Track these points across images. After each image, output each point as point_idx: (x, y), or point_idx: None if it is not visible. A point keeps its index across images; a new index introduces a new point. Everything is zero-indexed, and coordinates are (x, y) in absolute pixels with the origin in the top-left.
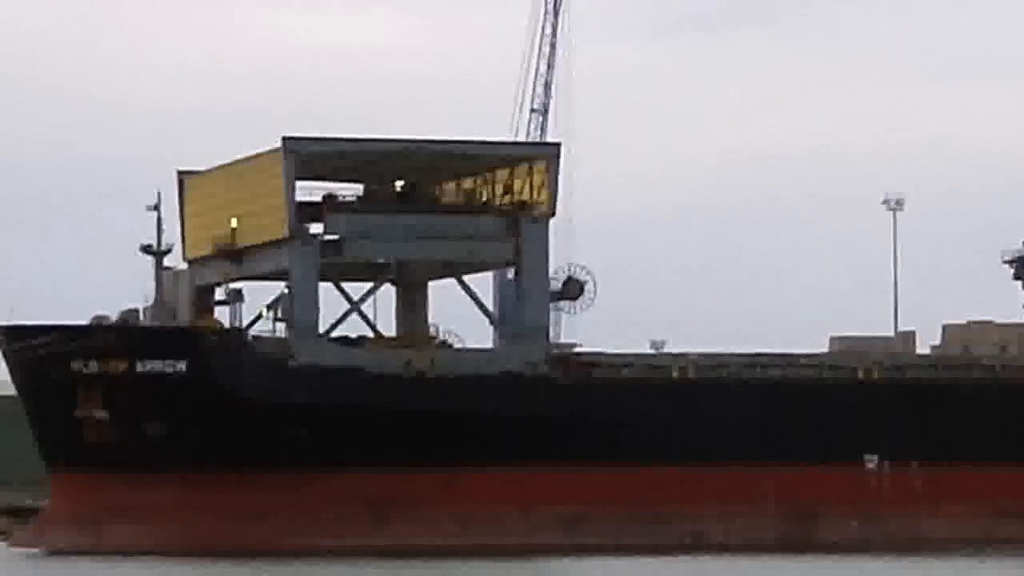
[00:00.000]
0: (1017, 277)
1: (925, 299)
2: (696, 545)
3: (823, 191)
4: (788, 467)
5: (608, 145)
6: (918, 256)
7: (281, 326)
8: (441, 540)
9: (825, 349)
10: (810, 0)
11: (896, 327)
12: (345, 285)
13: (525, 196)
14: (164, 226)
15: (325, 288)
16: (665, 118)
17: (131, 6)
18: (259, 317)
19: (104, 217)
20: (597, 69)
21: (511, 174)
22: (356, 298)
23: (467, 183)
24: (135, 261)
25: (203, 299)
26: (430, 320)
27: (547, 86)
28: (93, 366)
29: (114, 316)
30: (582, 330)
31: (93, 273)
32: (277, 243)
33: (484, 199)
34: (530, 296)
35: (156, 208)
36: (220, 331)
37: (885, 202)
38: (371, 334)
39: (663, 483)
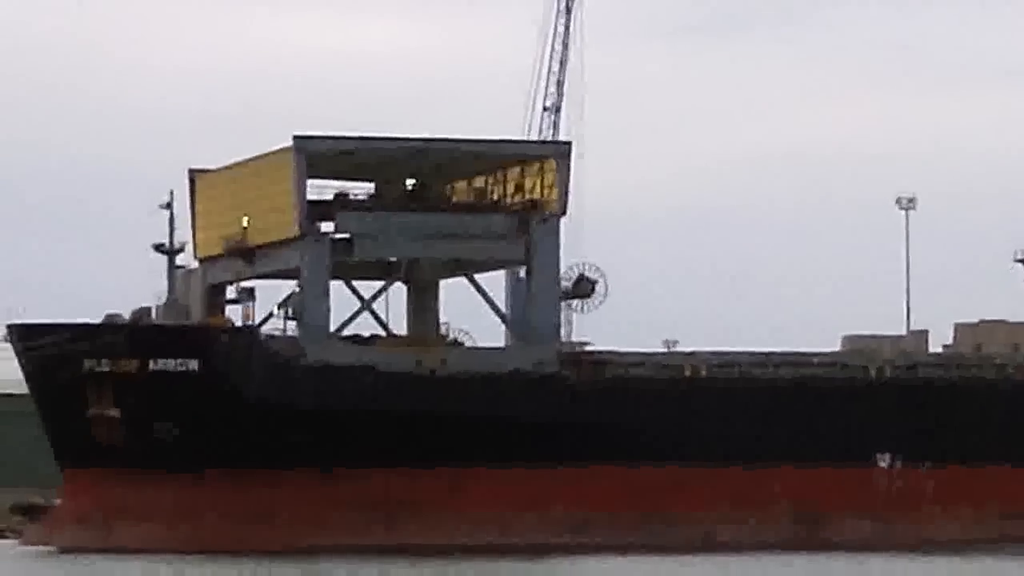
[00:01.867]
0: None
1: (937, 298)
2: (707, 545)
3: (836, 191)
4: (799, 466)
5: (620, 144)
6: (930, 255)
7: (292, 325)
8: (450, 540)
9: (837, 348)
10: (823, 2)
11: (908, 326)
12: (356, 284)
13: (536, 195)
14: (176, 225)
15: (336, 287)
16: (678, 117)
17: (142, 6)
18: (270, 316)
19: (116, 216)
20: (609, 68)
21: (522, 173)
22: (367, 297)
23: (478, 182)
24: (147, 260)
25: (214, 298)
26: (441, 319)
27: (559, 85)
28: (105, 365)
29: (126, 315)
30: (593, 329)
31: (105, 272)
32: (288, 242)
33: (495, 198)
34: (541, 295)
35: (168, 207)
36: (232, 330)
37: (897, 201)
38: (382, 333)
39: (674, 483)
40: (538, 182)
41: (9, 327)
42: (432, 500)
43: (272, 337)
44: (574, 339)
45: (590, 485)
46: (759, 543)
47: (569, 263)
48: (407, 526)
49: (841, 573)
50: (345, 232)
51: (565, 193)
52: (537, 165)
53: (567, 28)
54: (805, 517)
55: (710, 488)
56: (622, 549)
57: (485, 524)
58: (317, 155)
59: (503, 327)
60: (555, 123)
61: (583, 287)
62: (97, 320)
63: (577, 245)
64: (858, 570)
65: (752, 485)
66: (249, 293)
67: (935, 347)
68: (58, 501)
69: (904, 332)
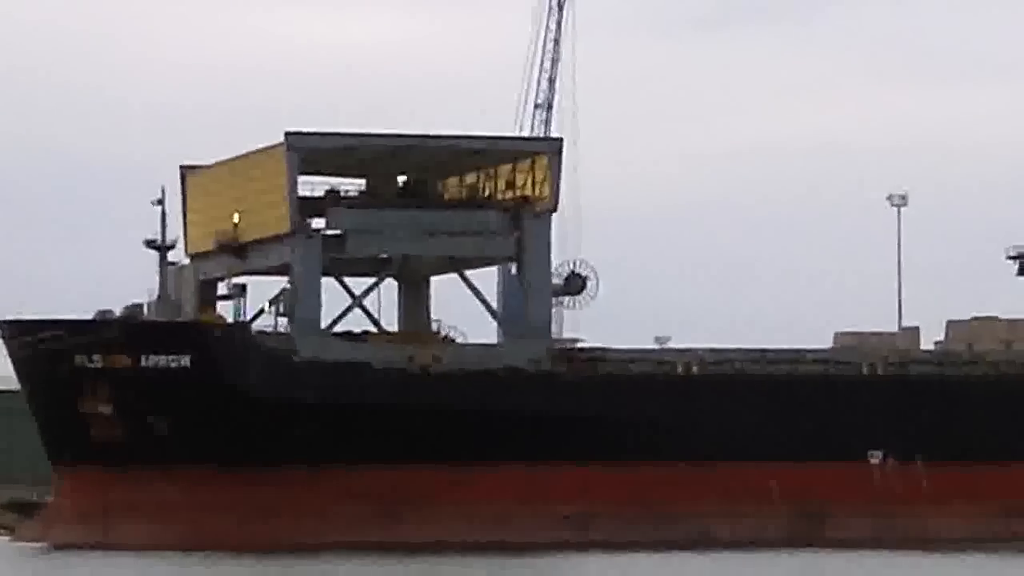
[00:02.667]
0: (1021, 273)
1: (930, 295)
2: (702, 542)
3: (828, 187)
4: (793, 463)
5: (612, 140)
6: (923, 252)
7: (283, 321)
8: (446, 536)
9: (830, 345)
10: None
11: (900, 323)
12: (348, 280)
13: (527, 191)
14: (168, 221)
15: (328, 283)
16: (669, 114)
17: (137, 2)
18: (261, 312)
19: (108, 212)
20: (601, 65)
21: (513, 169)
22: (358, 293)
23: (469, 178)
24: (140, 256)
25: (206, 294)
26: (433, 315)
27: (551, 82)
28: (98, 361)
29: (119, 311)
30: (586, 325)
31: (98, 268)
32: (280, 238)
33: (486, 194)
34: (533, 291)
35: (160, 203)
36: (224, 326)
37: (889, 198)
38: (374, 329)
39: (668, 479)
40: (529, 178)
41: (1, 323)
42: (427, 496)
43: (264, 333)
44: (565, 335)
45: (584, 482)
46: (755, 539)
47: (561, 260)
48: (403, 522)
49: (837, 569)
50: (337, 228)
51: (556, 189)
52: (528, 161)
53: (559, 25)
54: (800, 513)
55: (705, 485)
56: (617, 546)
57: (480, 520)
58: (309, 151)
59: (495, 323)
60: (547, 120)
61: (574, 284)
62: (89, 316)
63: (571, 241)
64: (853, 566)
65: (747, 482)
66: (241, 289)
67: (927, 344)
68: (51, 498)
69: (896, 329)
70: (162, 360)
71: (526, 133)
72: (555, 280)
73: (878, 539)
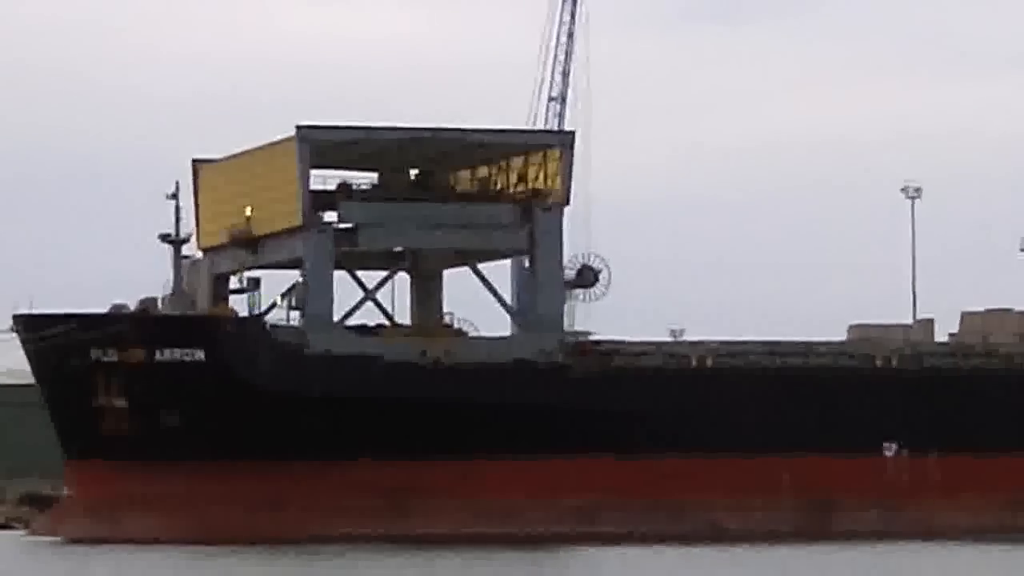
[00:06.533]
0: None
1: (943, 287)
2: (713, 534)
3: (841, 179)
4: (806, 456)
5: (626, 133)
6: (936, 244)
7: (296, 315)
8: (456, 529)
9: (843, 337)
10: None
11: (914, 315)
12: (360, 273)
13: (539, 184)
14: (182, 215)
15: (340, 276)
16: (683, 107)
17: None
18: (273, 305)
19: (122, 206)
20: (615, 58)
21: (525, 162)
22: (371, 286)
23: (481, 171)
24: (154, 250)
25: (219, 288)
26: (445, 309)
27: (565, 75)
28: (111, 355)
29: (133, 305)
30: (601, 318)
31: (112, 262)
32: (291, 231)
33: (498, 187)
34: (544, 285)
35: (175, 197)
36: (238, 320)
37: (903, 190)
38: (386, 323)
39: (680, 472)
40: (541, 171)
41: (15, 317)
42: (438, 489)
43: (277, 327)
44: (577, 328)
45: (596, 475)
46: (766, 532)
47: (574, 252)
48: (414, 515)
49: (848, 562)
50: (349, 222)
51: (568, 182)
52: (540, 154)
53: (573, 17)
54: (812, 506)
55: (716, 477)
56: (628, 539)
57: (492, 513)
58: (321, 145)
59: (507, 317)
60: (561, 113)
61: (587, 276)
62: (103, 310)
63: (583, 234)
64: (865, 558)
65: (759, 474)
66: (255, 283)
67: (941, 336)
68: (66, 492)
69: (910, 321)
70: (176, 354)
71: (540, 126)
72: (567, 273)
73: (890, 531)
